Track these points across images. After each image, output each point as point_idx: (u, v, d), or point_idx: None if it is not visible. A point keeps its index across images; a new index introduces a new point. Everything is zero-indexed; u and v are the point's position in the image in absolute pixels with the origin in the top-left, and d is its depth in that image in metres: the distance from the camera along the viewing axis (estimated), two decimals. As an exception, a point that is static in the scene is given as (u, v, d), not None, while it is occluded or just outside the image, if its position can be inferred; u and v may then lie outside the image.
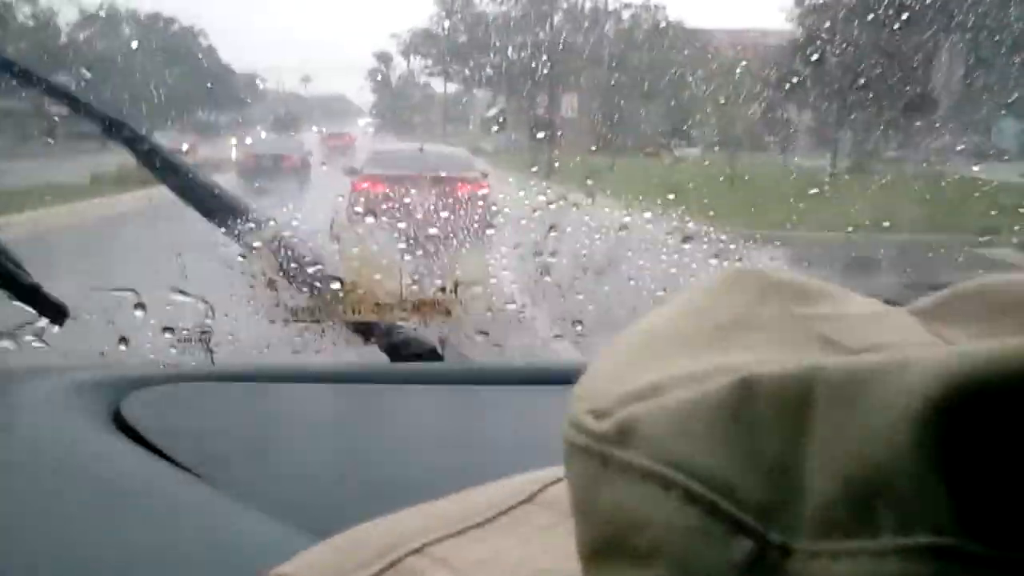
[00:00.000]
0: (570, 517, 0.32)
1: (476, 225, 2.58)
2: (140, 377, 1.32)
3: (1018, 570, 0.24)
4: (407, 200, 2.55)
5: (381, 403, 1.34)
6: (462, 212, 2.73)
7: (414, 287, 1.82)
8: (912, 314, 0.39)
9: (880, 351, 0.33)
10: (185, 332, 1.73)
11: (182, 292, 1.78)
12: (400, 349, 1.62)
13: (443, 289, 1.80)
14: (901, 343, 0.35)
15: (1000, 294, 0.38)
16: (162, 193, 1.83)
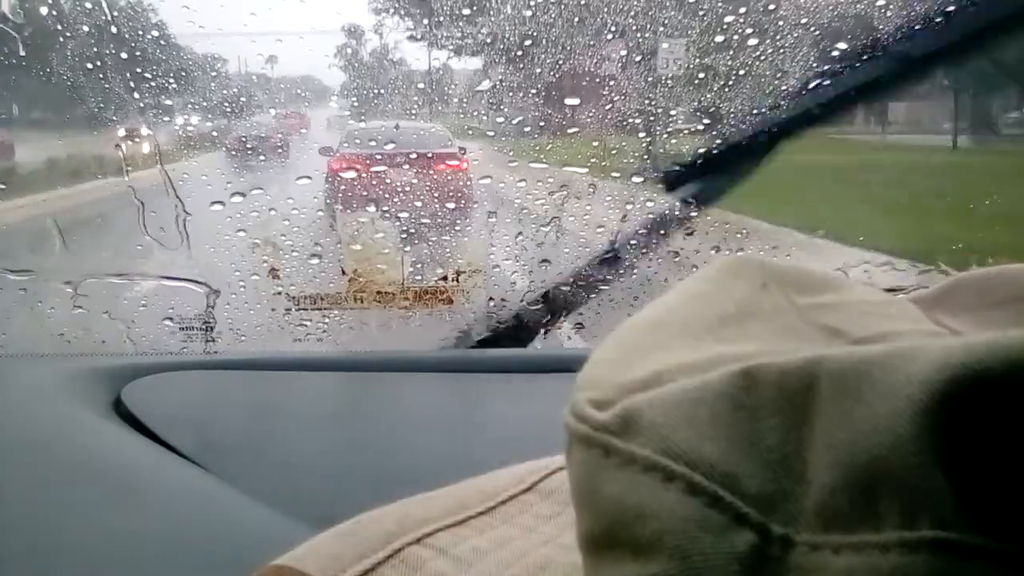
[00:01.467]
0: (570, 506, 0.32)
1: (460, 200, 2.58)
2: (141, 365, 1.32)
3: (1021, 562, 0.24)
4: (387, 179, 2.55)
5: (382, 391, 1.34)
6: (445, 187, 2.73)
7: (417, 277, 1.82)
8: (915, 303, 0.39)
9: (883, 340, 0.33)
10: (187, 320, 1.74)
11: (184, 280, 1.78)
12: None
13: (444, 278, 1.80)
14: (904, 332, 0.34)
15: (1002, 284, 0.38)
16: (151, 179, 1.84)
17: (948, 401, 0.25)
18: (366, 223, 1.90)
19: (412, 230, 2.19)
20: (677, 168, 1.51)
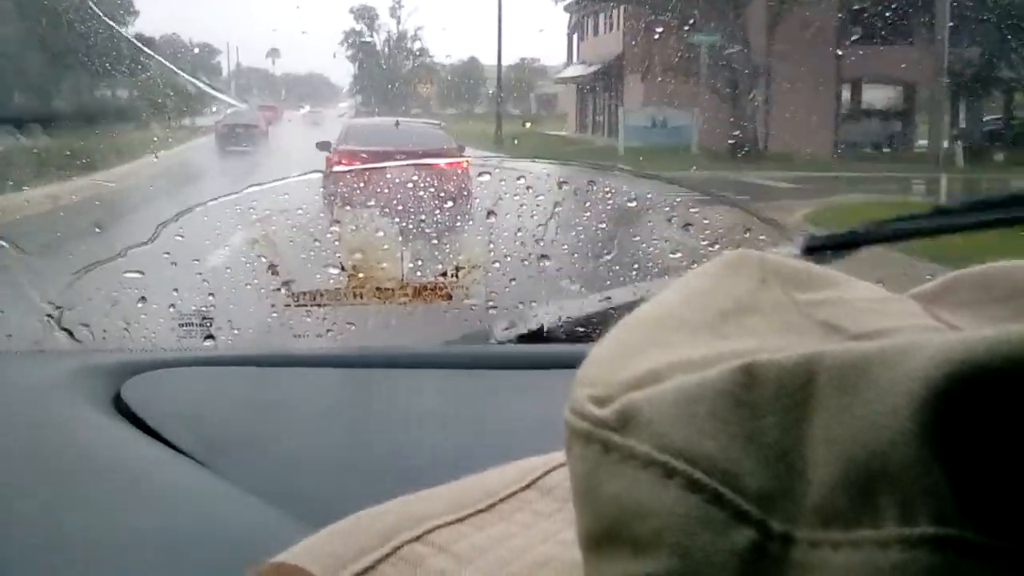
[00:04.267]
0: (570, 503, 0.32)
1: (457, 199, 2.59)
2: (141, 361, 1.32)
3: (1020, 560, 0.24)
4: (386, 176, 2.56)
5: (382, 388, 1.34)
6: (443, 185, 2.74)
7: (417, 273, 1.83)
8: (914, 299, 0.39)
9: (882, 337, 0.33)
10: (186, 316, 1.74)
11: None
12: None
13: (444, 274, 1.80)
14: (903, 329, 0.34)
15: (1001, 280, 0.38)
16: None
17: (947, 397, 0.25)
18: (366, 219, 1.90)
19: (410, 227, 2.20)
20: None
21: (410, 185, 2.52)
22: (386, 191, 2.40)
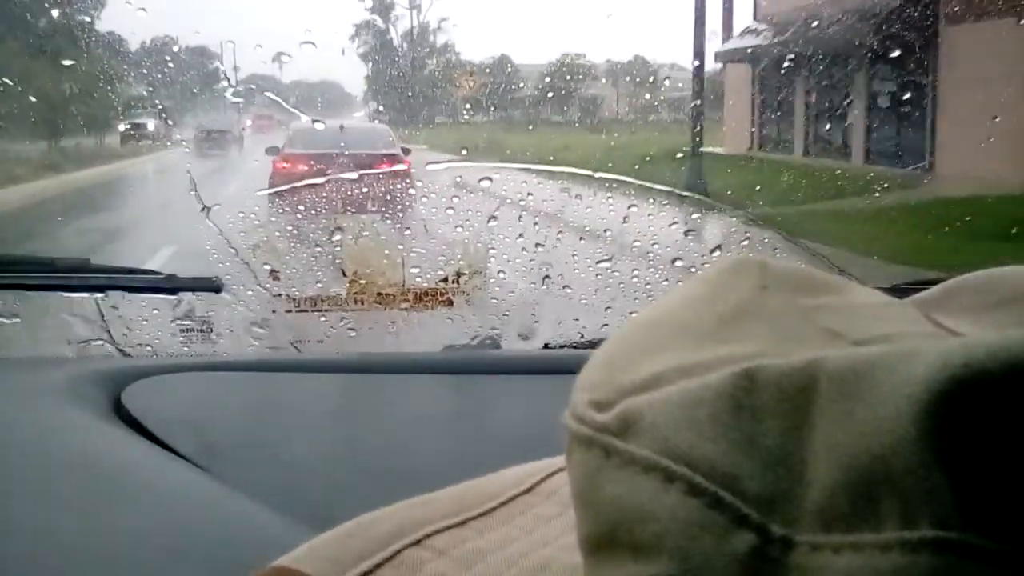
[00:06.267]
0: (571, 508, 0.32)
1: (400, 199, 2.62)
2: (141, 367, 1.32)
3: (1020, 563, 0.24)
4: (328, 178, 2.60)
5: (382, 393, 1.34)
6: (384, 188, 2.78)
7: (417, 277, 1.82)
8: (915, 305, 0.39)
9: (883, 342, 0.33)
10: (187, 322, 1.74)
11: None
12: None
13: (445, 279, 1.80)
14: (904, 334, 0.35)
15: (1001, 286, 0.38)
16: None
17: (948, 401, 0.25)
18: (366, 224, 1.90)
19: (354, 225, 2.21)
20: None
21: (352, 184, 2.55)
22: (329, 191, 2.43)
